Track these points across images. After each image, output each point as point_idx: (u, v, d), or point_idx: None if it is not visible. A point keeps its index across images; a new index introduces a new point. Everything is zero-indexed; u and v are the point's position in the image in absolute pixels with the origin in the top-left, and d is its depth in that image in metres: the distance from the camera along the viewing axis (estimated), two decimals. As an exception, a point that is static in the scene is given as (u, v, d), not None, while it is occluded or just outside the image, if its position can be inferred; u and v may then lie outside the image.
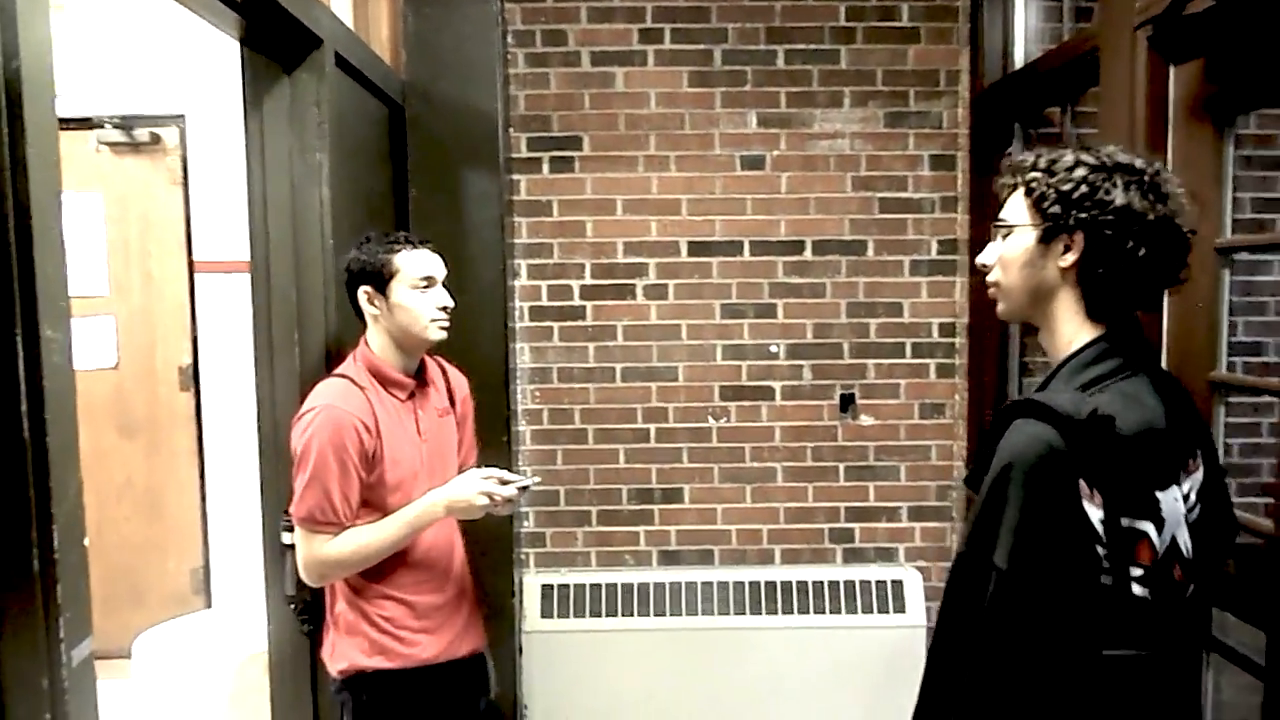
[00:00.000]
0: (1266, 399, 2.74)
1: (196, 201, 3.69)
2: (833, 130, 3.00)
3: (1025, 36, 2.87)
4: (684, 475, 3.09)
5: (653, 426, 3.08)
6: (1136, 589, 1.15)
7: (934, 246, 3.04)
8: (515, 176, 3.01)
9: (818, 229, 3.02)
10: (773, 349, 3.06)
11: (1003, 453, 1.17)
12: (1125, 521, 1.15)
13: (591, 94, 2.99)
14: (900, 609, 2.99)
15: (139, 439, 3.75)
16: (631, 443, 3.08)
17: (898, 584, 3.01)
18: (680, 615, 3.00)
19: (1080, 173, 1.22)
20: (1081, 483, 1.13)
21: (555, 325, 3.05)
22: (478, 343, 2.74)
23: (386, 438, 1.83)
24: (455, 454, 2.05)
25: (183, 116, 3.67)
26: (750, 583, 3.03)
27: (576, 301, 3.04)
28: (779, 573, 3.05)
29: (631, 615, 3.00)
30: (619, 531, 3.10)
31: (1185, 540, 1.20)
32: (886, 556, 3.11)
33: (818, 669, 2.97)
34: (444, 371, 2.09)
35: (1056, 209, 1.22)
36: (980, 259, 1.36)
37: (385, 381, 1.89)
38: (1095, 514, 1.14)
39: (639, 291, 3.04)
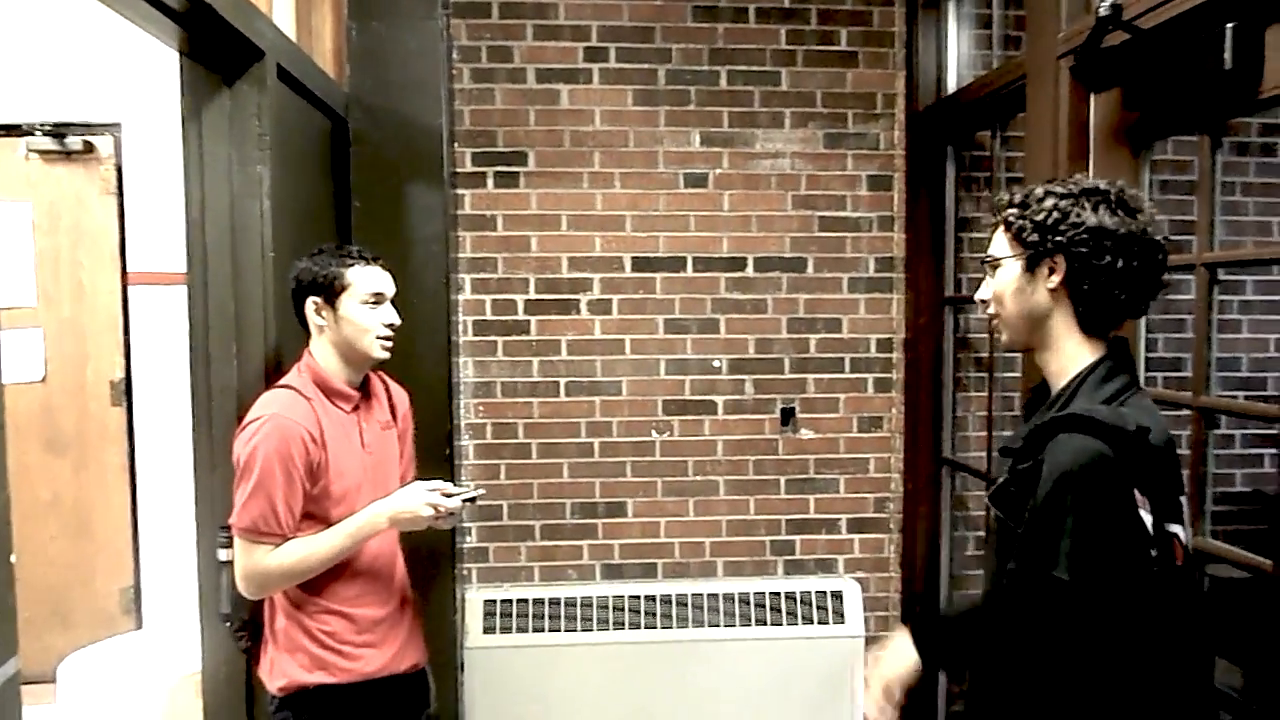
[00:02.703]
0: (1185, 413, 2.86)
1: (132, 212, 3.60)
2: (774, 150, 3.07)
3: (958, 62, 2.98)
4: (627, 489, 3.11)
5: (596, 441, 3.09)
6: (1178, 587, 1.26)
7: (871, 264, 3.11)
8: (460, 191, 3.01)
9: (759, 246, 3.08)
10: (715, 364, 3.10)
11: (1054, 467, 1.22)
12: (1166, 526, 1.24)
13: (537, 110, 3.01)
14: (840, 619, 3.04)
15: (67, 455, 3.64)
16: (575, 457, 3.09)
17: (837, 595, 3.06)
18: (624, 629, 3.01)
19: (1050, 202, 1.32)
20: (1135, 492, 1.20)
21: (499, 340, 3.05)
22: (420, 356, 2.72)
23: (331, 449, 1.82)
24: (397, 467, 2.04)
25: (118, 125, 3.59)
26: (693, 595, 3.05)
27: (521, 316, 3.05)
28: (721, 585, 3.08)
29: (575, 630, 2.99)
30: (562, 546, 3.10)
31: (1189, 538, 1.32)
32: (826, 568, 3.17)
33: (760, 680, 3.00)
34: (385, 385, 2.09)
35: (1035, 237, 1.32)
36: (977, 295, 1.45)
37: (330, 393, 1.88)
38: (1148, 519, 1.21)
39: (583, 306, 3.06)
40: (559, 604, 3.02)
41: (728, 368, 3.10)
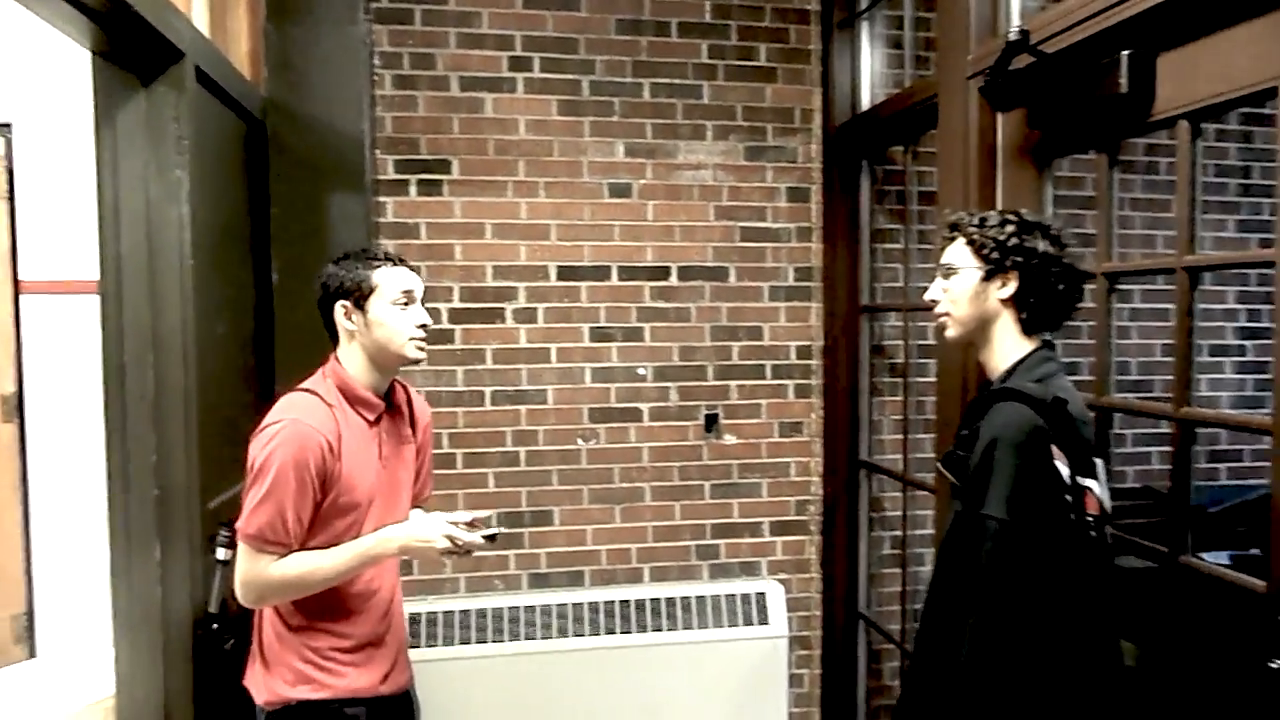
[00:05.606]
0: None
1: (24, 217, 3.41)
2: (696, 161, 3.13)
3: (872, 80, 3.10)
4: (553, 498, 3.11)
5: (522, 450, 3.08)
6: (1092, 533, 1.53)
7: (791, 273, 3.20)
8: (382, 198, 2.96)
9: (683, 255, 3.14)
10: (640, 371, 3.13)
11: (991, 429, 1.50)
12: (1080, 479, 1.51)
13: (461, 118, 3.00)
14: (764, 620, 3.10)
15: (-48, 474, 3.41)
16: (500, 466, 3.07)
17: (761, 596, 3.13)
18: (551, 638, 3.00)
19: (1010, 227, 1.62)
20: (1054, 447, 1.47)
21: (423, 349, 3.01)
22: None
23: (347, 459, 1.77)
24: (411, 482, 1.99)
25: (9, 125, 3.40)
26: (620, 602, 3.07)
27: (445, 325, 3.02)
28: (648, 591, 3.11)
29: (502, 640, 2.97)
30: (488, 556, 3.07)
31: (1108, 499, 1.60)
32: (750, 571, 3.23)
33: (688, 683, 3.04)
34: (409, 398, 2.03)
35: (996, 255, 1.62)
36: (928, 296, 1.73)
37: (354, 401, 1.82)
38: (1064, 470, 1.48)
39: (508, 315, 3.05)
40: (485, 615, 3.00)
41: (653, 375, 3.14)
